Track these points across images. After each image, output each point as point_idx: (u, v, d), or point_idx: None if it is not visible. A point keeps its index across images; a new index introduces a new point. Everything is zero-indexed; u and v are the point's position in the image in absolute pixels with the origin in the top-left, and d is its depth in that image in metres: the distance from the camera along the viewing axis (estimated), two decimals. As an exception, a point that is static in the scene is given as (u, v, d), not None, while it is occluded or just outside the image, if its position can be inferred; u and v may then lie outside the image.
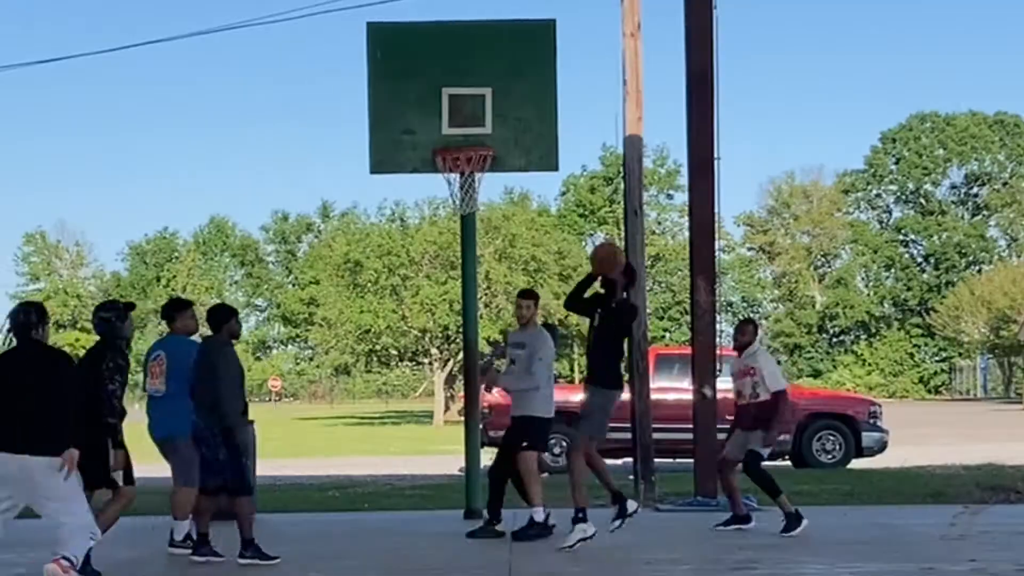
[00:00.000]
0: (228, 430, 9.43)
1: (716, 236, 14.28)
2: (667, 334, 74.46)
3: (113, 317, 9.08)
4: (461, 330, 14.16)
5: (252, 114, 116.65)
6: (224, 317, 9.74)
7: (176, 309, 10.41)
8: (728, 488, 11.48)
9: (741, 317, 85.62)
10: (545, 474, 10.84)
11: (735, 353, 11.73)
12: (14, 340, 7.74)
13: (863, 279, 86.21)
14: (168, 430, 10.13)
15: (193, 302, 11.21)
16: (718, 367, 14.18)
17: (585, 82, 78.03)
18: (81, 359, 9.03)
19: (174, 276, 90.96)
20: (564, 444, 11.11)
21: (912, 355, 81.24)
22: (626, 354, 13.78)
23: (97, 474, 8.64)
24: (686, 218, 18.85)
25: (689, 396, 14.07)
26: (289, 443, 29.73)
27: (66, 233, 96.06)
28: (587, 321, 10.82)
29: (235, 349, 9.81)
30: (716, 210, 13.74)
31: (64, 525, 7.60)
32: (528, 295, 11.26)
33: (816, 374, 79.75)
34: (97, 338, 9.26)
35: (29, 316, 7.67)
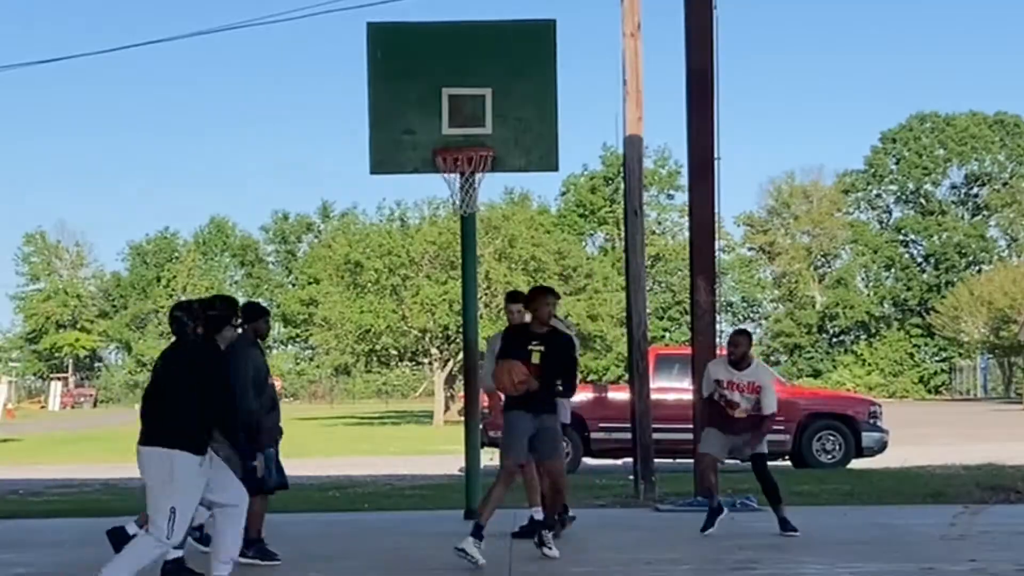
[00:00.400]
0: (247, 428, 9.41)
1: (716, 236, 14.28)
2: (667, 334, 74.50)
3: (184, 316, 8.98)
4: (461, 330, 14.16)
5: (252, 114, 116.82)
6: (251, 316, 9.74)
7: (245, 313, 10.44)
8: (709, 487, 11.21)
9: (741, 317, 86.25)
10: None
11: (722, 353, 11.56)
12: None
13: (863, 279, 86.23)
14: None
15: (260, 304, 11.21)
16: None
17: (585, 82, 78.17)
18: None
19: (174, 276, 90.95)
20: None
21: (912, 355, 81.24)
22: (625, 354, 13.79)
23: None
24: (686, 218, 18.85)
25: (689, 396, 14.08)
26: (289, 443, 29.67)
27: (66, 233, 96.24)
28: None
29: (259, 349, 9.78)
30: (716, 210, 13.75)
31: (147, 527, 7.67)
32: (518, 298, 11.20)
33: (816, 374, 79.75)
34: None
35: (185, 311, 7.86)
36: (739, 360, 10.91)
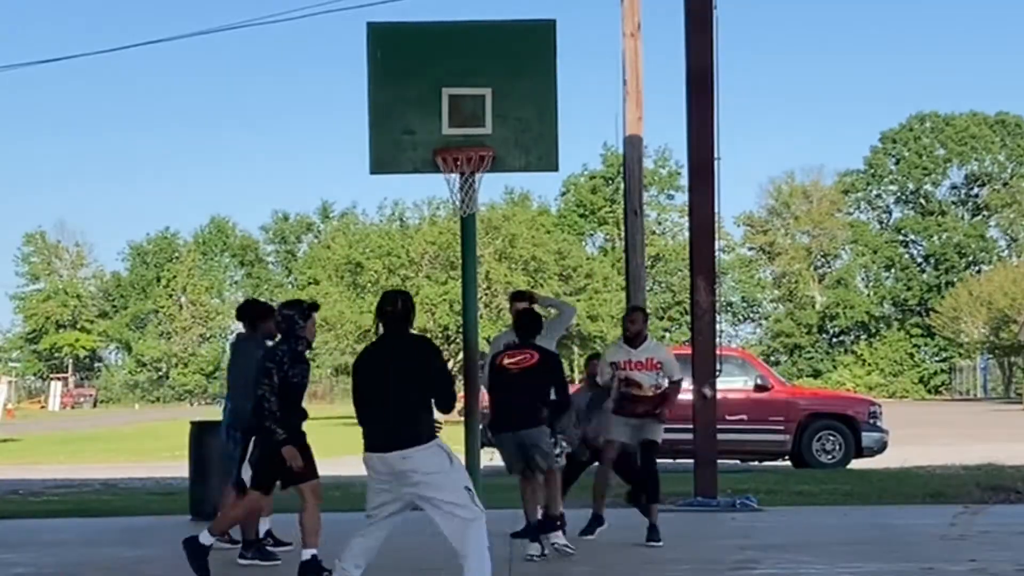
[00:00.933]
0: (246, 430, 9.42)
1: (716, 236, 14.28)
2: (667, 334, 74.45)
3: (296, 315, 8.89)
4: (461, 330, 14.17)
5: (252, 114, 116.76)
6: (254, 317, 9.73)
7: (260, 314, 10.48)
8: (603, 486, 10.87)
9: (741, 317, 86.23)
10: None
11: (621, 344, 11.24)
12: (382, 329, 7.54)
13: (863, 279, 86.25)
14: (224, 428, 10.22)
15: (270, 305, 11.28)
16: (718, 367, 14.17)
17: (585, 82, 78.18)
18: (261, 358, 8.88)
19: (174, 276, 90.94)
20: (563, 445, 11.02)
21: (912, 355, 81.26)
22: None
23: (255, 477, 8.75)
24: (686, 218, 18.86)
25: (689, 396, 14.07)
26: (289, 443, 29.65)
27: (66, 233, 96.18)
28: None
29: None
30: (716, 210, 13.75)
31: (456, 519, 7.36)
32: (523, 297, 11.22)
33: (816, 374, 79.74)
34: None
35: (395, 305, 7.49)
36: (634, 337, 10.75)
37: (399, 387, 7.27)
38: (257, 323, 9.76)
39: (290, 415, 8.72)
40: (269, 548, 9.79)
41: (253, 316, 9.86)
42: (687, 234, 16.40)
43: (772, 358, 78.08)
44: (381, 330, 7.46)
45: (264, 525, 10.11)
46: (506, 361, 9.88)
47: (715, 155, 13.61)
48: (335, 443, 33.08)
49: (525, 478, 9.95)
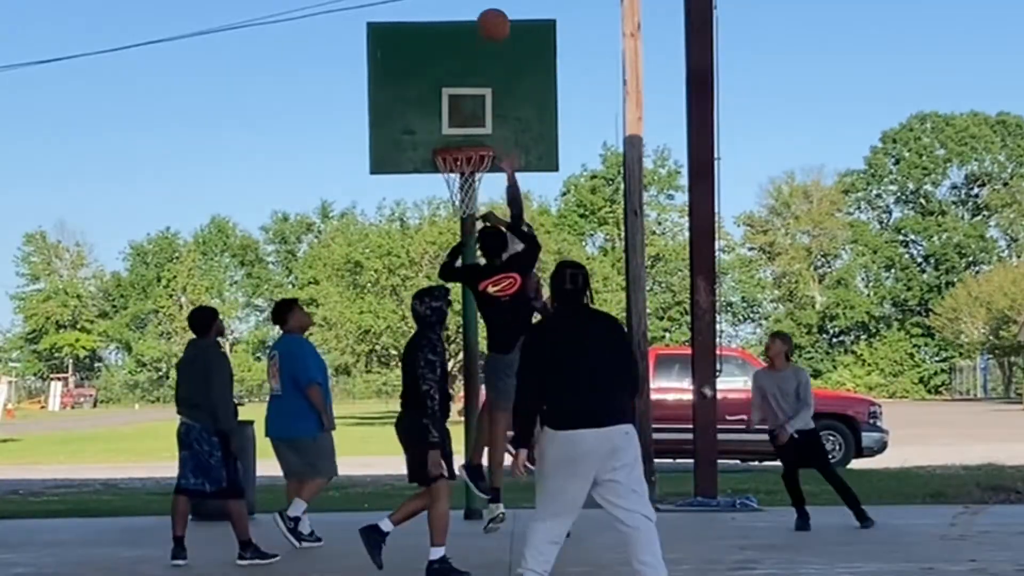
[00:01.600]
0: (223, 432, 9.41)
1: (716, 236, 14.28)
2: (667, 334, 74.48)
3: (443, 304, 8.76)
4: (461, 330, 14.16)
5: (252, 114, 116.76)
6: (210, 319, 9.75)
7: (285, 310, 10.57)
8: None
9: (741, 318, 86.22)
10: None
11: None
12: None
13: (863, 279, 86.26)
14: (289, 431, 10.16)
15: (298, 299, 11.33)
16: (718, 367, 14.17)
17: (585, 82, 78.20)
18: (405, 354, 8.63)
19: (174, 276, 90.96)
20: None
21: (912, 355, 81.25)
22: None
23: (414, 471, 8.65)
24: (686, 218, 18.85)
25: (689, 396, 14.08)
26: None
27: (66, 233, 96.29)
28: None
29: (225, 350, 9.87)
30: (716, 210, 13.75)
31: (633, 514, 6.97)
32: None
33: (816, 374, 79.67)
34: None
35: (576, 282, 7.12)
36: None
37: (604, 362, 6.91)
38: (210, 326, 9.73)
39: (442, 405, 8.47)
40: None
41: (205, 321, 9.79)
42: (687, 234, 16.41)
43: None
44: (557, 305, 7.14)
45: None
46: (491, 288, 9.83)
47: (715, 155, 13.60)
48: (335, 443, 33.09)
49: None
